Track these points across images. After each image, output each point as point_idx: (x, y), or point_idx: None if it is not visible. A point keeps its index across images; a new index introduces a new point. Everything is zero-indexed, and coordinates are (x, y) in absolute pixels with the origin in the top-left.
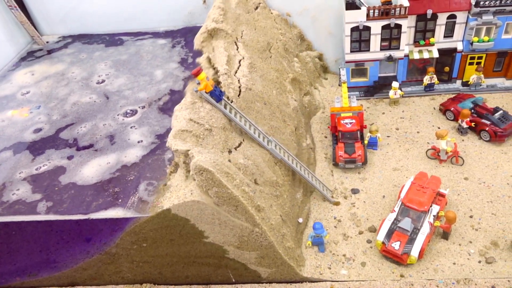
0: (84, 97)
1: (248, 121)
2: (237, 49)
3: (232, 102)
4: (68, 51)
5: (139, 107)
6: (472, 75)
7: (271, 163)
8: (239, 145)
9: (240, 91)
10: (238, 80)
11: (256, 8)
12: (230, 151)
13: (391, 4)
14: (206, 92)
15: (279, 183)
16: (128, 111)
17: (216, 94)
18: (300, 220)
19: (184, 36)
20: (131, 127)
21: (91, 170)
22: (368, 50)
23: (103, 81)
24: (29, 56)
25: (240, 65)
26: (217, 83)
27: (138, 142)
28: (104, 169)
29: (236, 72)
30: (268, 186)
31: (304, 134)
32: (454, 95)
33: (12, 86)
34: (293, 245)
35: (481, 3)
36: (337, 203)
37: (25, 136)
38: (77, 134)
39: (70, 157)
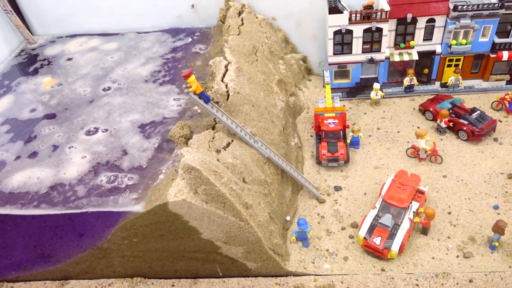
0: None
1: (235, 122)
2: (224, 55)
3: (220, 106)
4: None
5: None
6: (450, 77)
7: (260, 163)
8: (228, 145)
9: (228, 95)
10: (226, 85)
11: (240, 13)
12: (218, 151)
13: (373, 8)
14: (196, 94)
15: (267, 181)
16: None
17: (205, 95)
18: (288, 218)
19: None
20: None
21: None
22: (350, 53)
23: None
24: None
25: (227, 70)
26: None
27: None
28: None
29: (223, 77)
30: (256, 184)
31: (292, 133)
32: (433, 96)
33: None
34: (281, 241)
35: (459, 7)
36: (323, 201)
37: None
38: None
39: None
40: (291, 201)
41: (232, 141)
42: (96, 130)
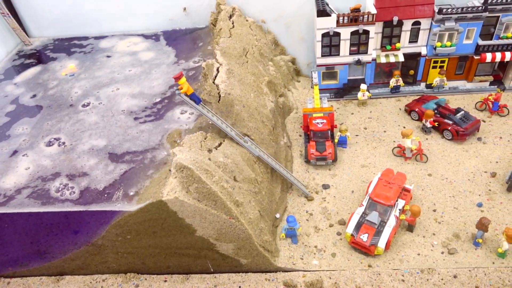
0: None
1: (225, 123)
2: (215, 57)
3: (212, 107)
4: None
5: None
6: (435, 78)
7: (251, 162)
8: (219, 145)
9: (219, 96)
10: (217, 87)
11: (230, 16)
12: (210, 150)
13: (360, 11)
14: (187, 95)
15: (258, 180)
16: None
17: (196, 97)
18: (278, 215)
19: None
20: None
21: None
22: (338, 55)
23: None
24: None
25: (218, 72)
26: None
27: None
28: None
29: (215, 79)
30: (247, 183)
31: (281, 133)
32: (418, 97)
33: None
34: (270, 238)
35: (444, 10)
36: (311, 198)
37: None
38: None
39: None
40: (281, 199)
41: (224, 141)
42: (55, 141)
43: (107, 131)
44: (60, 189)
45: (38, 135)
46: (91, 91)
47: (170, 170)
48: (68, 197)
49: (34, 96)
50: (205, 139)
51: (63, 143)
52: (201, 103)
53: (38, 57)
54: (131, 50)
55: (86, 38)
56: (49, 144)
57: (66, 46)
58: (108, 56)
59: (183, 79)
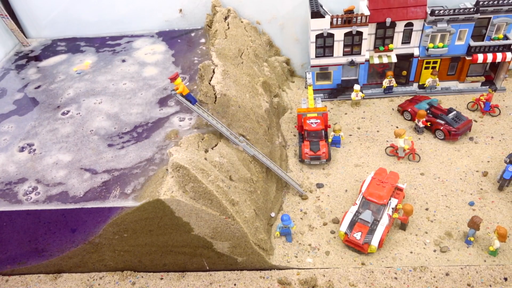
0: None
1: (219, 123)
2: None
3: (209, 108)
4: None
5: None
6: (427, 79)
7: (246, 162)
8: (216, 145)
9: (215, 97)
10: (213, 87)
11: (226, 18)
12: (206, 151)
13: (353, 13)
14: (182, 95)
15: (253, 180)
16: None
17: (192, 97)
18: (273, 214)
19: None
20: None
21: None
22: (332, 56)
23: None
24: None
25: (214, 73)
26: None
27: None
28: None
29: (211, 80)
30: (242, 182)
31: (276, 133)
32: (411, 97)
33: None
34: (265, 237)
35: (436, 12)
36: (306, 197)
37: None
38: None
39: None
40: (276, 198)
41: (220, 141)
42: (27, 147)
43: (77, 148)
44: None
45: (18, 136)
46: (79, 97)
47: (167, 170)
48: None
49: (38, 87)
50: (202, 139)
51: (34, 150)
52: (196, 103)
53: (70, 47)
54: (143, 60)
55: (121, 37)
56: (22, 149)
57: (100, 43)
58: (123, 61)
59: (179, 80)
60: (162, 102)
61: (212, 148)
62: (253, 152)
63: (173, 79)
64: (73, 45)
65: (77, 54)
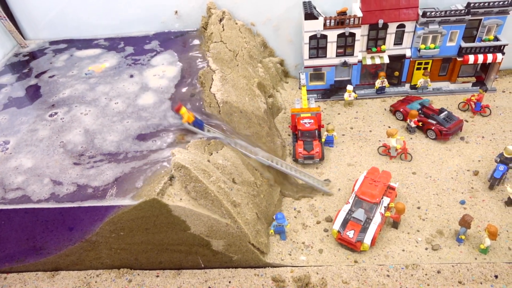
0: None
1: (229, 137)
2: (207, 63)
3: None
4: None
5: None
6: (419, 79)
7: (251, 166)
8: (221, 148)
9: (219, 106)
10: (214, 95)
11: (221, 20)
12: (211, 153)
13: (346, 14)
14: (189, 123)
15: (257, 183)
16: None
17: (198, 122)
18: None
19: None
20: None
21: None
22: (325, 57)
23: None
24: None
25: (213, 80)
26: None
27: None
28: None
29: (210, 87)
30: (246, 185)
31: (276, 132)
32: (403, 97)
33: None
34: (266, 240)
35: (428, 13)
36: (331, 194)
37: None
38: None
39: None
40: (279, 201)
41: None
42: (2, 144)
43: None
44: None
45: (4, 130)
46: (71, 100)
47: (172, 177)
48: None
49: (52, 77)
50: (209, 144)
51: (7, 149)
52: (204, 125)
53: (110, 44)
54: (147, 83)
55: (152, 51)
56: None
57: (136, 47)
58: (131, 76)
59: (183, 109)
60: (141, 139)
61: (217, 152)
62: (269, 162)
63: (177, 110)
64: (113, 43)
65: (107, 52)
